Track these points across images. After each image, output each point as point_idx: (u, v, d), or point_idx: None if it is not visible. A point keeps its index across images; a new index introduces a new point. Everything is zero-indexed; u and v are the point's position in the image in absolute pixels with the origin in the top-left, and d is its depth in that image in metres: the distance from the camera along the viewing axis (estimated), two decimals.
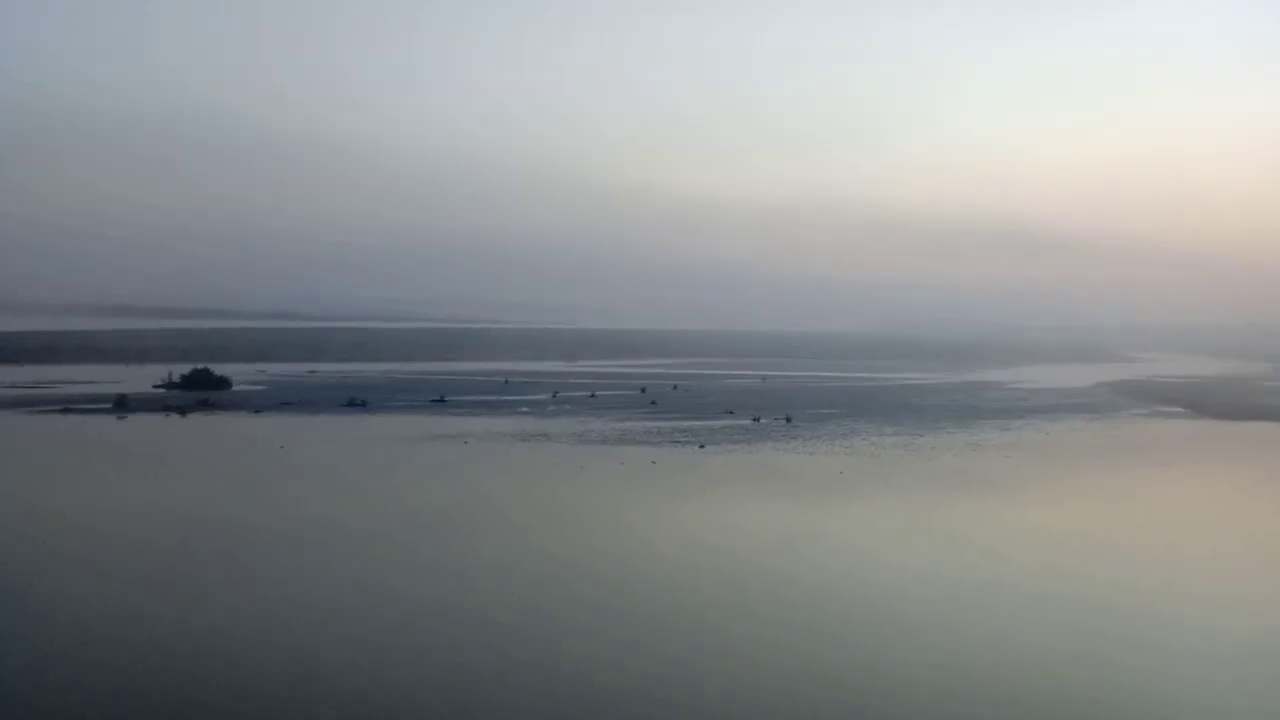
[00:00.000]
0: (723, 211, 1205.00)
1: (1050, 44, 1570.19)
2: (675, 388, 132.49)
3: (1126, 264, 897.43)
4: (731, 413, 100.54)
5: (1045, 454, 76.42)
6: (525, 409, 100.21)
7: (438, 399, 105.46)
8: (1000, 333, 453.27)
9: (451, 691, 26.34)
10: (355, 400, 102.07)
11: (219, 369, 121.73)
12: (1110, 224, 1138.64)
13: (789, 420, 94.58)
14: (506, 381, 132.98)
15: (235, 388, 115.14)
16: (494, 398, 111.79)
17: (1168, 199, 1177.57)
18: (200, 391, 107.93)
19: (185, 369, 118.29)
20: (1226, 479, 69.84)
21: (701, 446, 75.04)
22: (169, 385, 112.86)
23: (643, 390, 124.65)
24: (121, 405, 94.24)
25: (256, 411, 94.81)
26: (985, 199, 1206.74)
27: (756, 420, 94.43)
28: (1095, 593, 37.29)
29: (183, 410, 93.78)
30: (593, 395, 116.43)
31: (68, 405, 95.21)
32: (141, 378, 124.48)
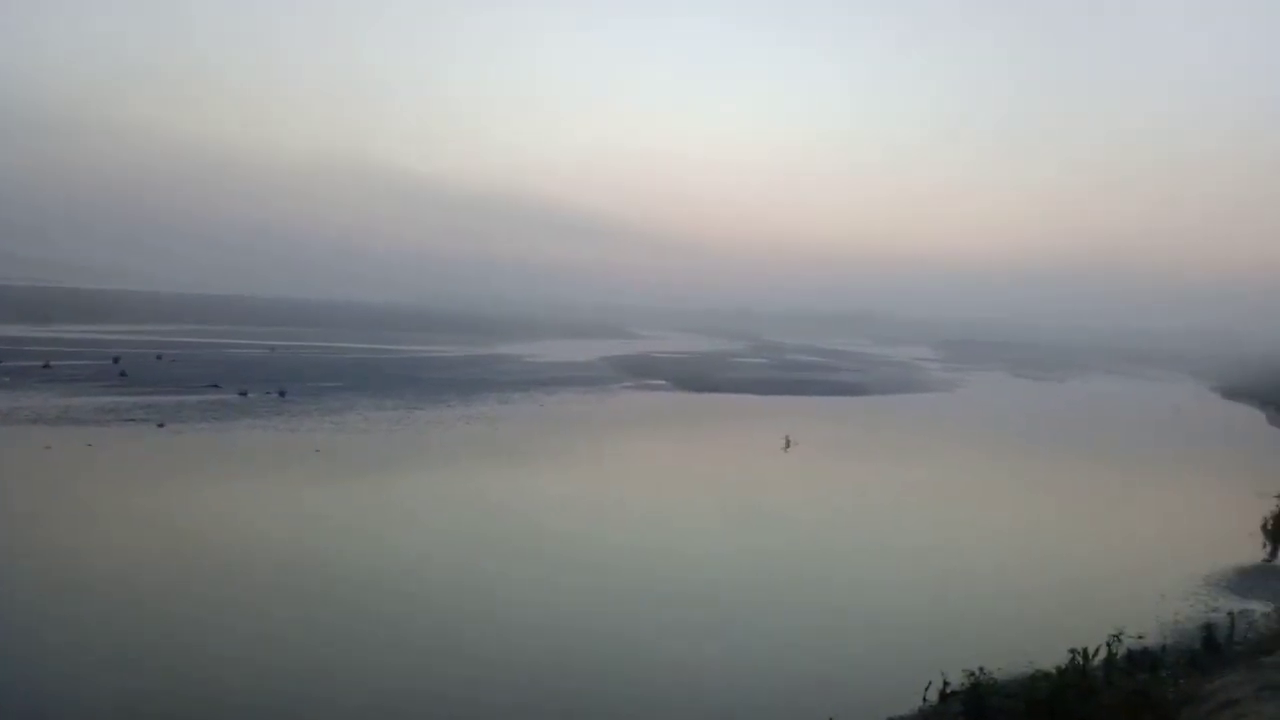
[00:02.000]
0: (250, 166, 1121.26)
1: (594, 41, 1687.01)
2: (160, 357, 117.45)
3: (645, 250, 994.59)
4: (217, 386, 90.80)
5: (529, 424, 78.84)
6: None
7: None
8: (529, 308, 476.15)
9: None
10: None
11: None
12: (630, 212, 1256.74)
13: (283, 394, 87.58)
14: None
15: None
16: None
17: (675, 194, 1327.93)
18: None
19: None
20: (664, 438, 77.87)
21: (161, 425, 65.84)
22: None
23: (116, 360, 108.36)
24: None
25: None
26: (525, 179, 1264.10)
27: (244, 395, 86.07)
28: (548, 532, 37.77)
29: None
30: (46, 365, 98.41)
31: None
32: None
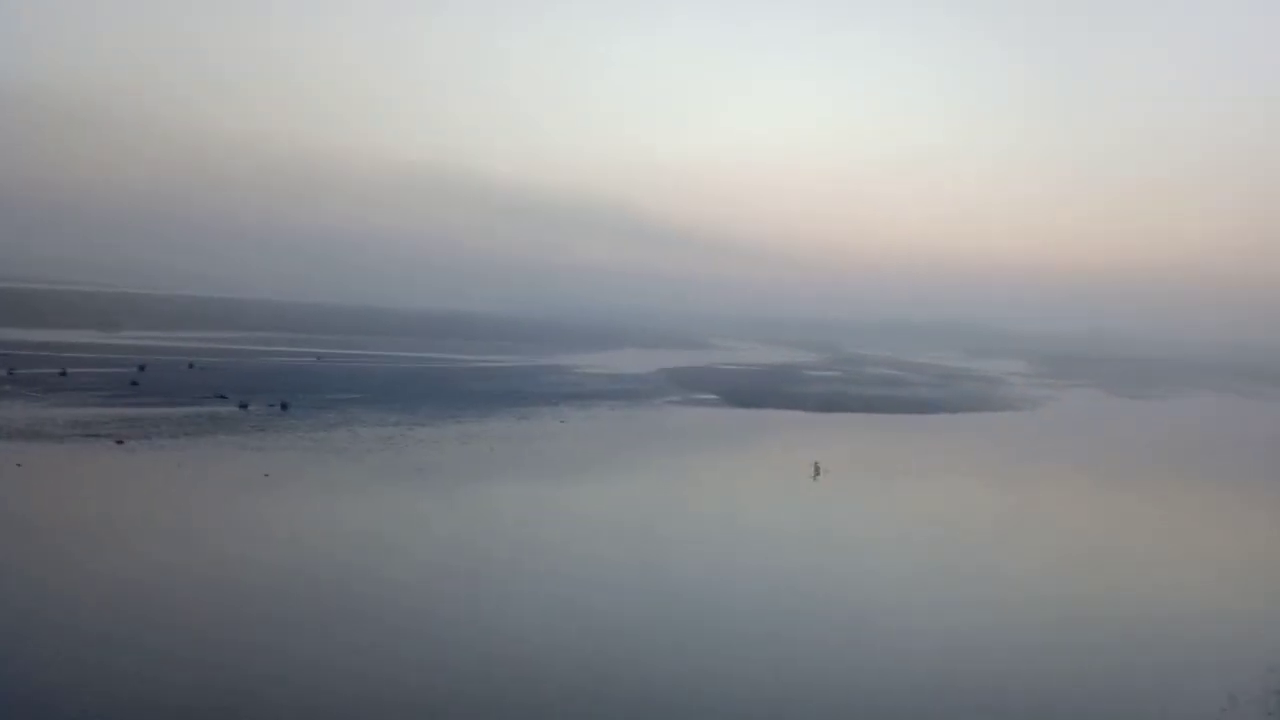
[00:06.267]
0: (348, 174, 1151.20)
1: (666, 46, 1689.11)
2: (192, 366, 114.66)
3: (730, 260, 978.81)
4: (224, 397, 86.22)
5: (529, 445, 71.31)
6: None
7: None
8: (609, 317, 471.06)
9: None
10: None
11: None
12: (714, 222, 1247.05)
13: (285, 407, 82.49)
14: None
15: None
16: None
17: (759, 204, 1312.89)
18: None
19: None
20: (670, 463, 68.61)
21: (120, 442, 60.72)
22: None
23: (141, 368, 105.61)
24: None
25: None
26: (613, 188, 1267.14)
27: (243, 407, 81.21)
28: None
29: None
30: (63, 373, 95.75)
31: None
32: None
